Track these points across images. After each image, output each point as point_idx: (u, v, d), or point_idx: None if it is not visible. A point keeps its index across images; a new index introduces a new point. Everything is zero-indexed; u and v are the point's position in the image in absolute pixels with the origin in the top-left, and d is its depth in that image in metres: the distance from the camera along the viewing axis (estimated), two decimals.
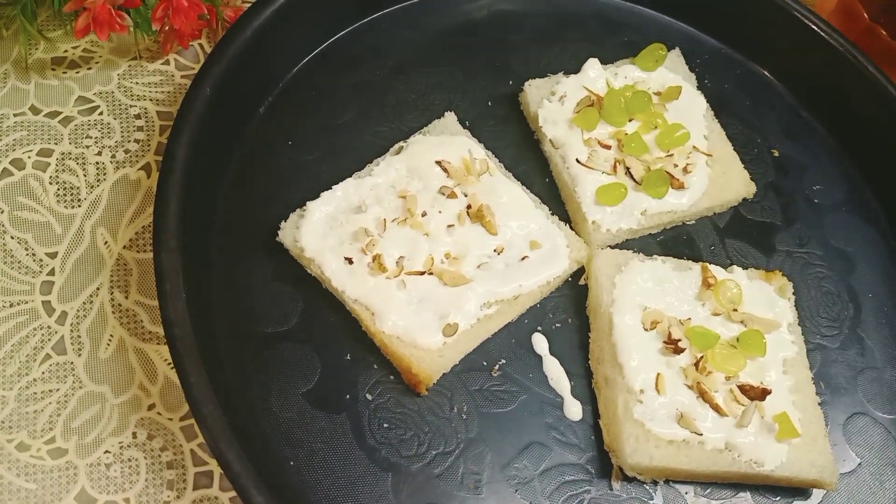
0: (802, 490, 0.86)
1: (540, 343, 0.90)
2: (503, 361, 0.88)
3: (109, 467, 0.79)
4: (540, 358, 0.89)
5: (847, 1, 1.15)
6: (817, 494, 0.86)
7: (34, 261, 0.88)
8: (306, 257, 0.87)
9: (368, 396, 0.84)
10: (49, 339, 0.84)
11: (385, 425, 0.83)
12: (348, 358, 0.86)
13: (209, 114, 0.89)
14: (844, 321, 0.98)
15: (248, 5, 0.97)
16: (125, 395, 0.83)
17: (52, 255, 0.89)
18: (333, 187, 0.92)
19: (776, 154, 1.09)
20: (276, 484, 0.77)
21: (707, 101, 1.07)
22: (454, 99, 1.05)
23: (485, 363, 0.88)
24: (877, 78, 1.06)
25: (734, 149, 1.04)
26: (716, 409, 0.83)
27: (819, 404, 0.88)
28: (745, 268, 0.95)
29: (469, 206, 0.92)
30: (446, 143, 0.97)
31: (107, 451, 0.80)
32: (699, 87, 1.08)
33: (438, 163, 0.94)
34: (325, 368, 0.85)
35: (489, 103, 1.06)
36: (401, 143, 0.97)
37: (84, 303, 0.87)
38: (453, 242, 0.90)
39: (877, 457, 0.90)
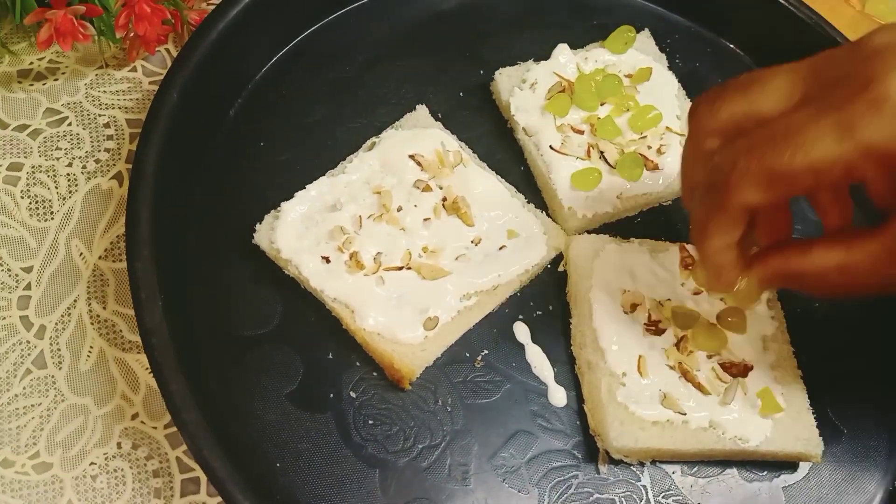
0: (789, 463, 0.87)
1: (522, 332, 0.90)
2: (486, 352, 0.88)
3: (95, 479, 0.79)
4: (522, 346, 0.89)
5: None
6: (804, 467, 0.87)
7: (10, 276, 0.88)
8: (283, 258, 0.87)
9: (352, 394, 0.84)
10: (29, 354, 0.84)
11: (370, 422, 0.83)
12: (330, 357, 0.86)
13: (178, 119, 0.88)
14: None
15: (213, 7, 0.97)
16: (108, 406, 0.82)
17: (28, 270, 0.88)
18: (307, 187, 0.91)
19: None
20: (263, 487, 0.77)
21: (679, 81, 1.07)
22: (426, 91, 1.04)
23: (467, 354, 0.88)
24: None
25: None
26: (699, 387, 0.84)
27: (802, 377, 0.88)
28: None
29: (444, 199, 0.92)
30: (419, 136, 0.97)
31: (92, 463, 0.80)
32: (670, 67, 1.08)
33: (412, 156, 0.94)
34: (307, 369, 0.85)
35: (461, 94, 1.06)
36: (373, 139, 0.97)
37: (62, 315, 0.86)
38: (430, 236, 0.90)
39: (861, 427, 0.90)
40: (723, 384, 0.84)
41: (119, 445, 0.81)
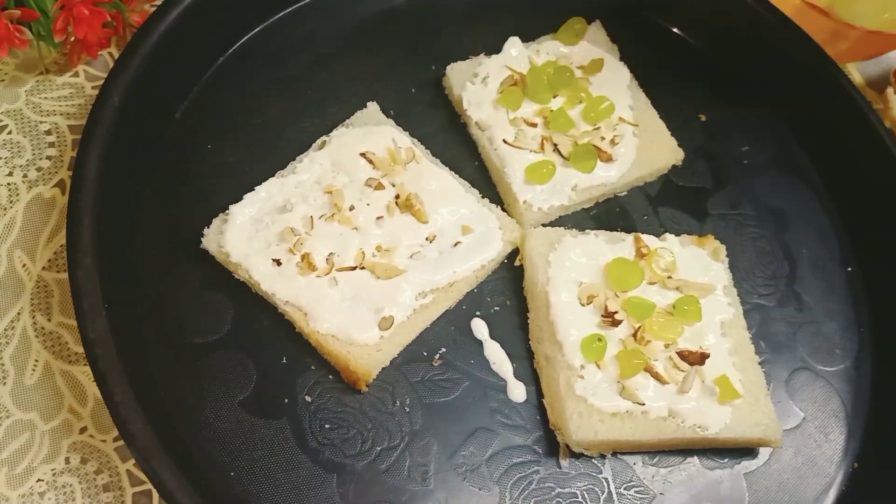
0: (749, 450, 0.87)
1: (479, 328, 0.89)
2: (444, 350, 0.87)
3: (43, 496, 0.77)
4: (480, 343, 0.89)
5: None
6: (764, 452, 0.87)
7: None
8: (233, 262, 0.85)
9: (308, 398, 0.83)
10: None
11: (327, 426, 0.81)
12: (284, 361, 0.84)
13: (120, 123, 0.86)
14: (781, 279, 0.98)
15: (155, 8, 0.94)
16: (55, 421, 0.80)
17: None
18: (256, 188, 0.90)
19: (703, 119, 1.09)
20: (217, 497, 0.75)
21: (631, 72, 1.06)
22: (377, 88, 1.03)
23: (425, 353, 0.87)
24: (795, 30, 1.06)
25: (660, 117, 1.04)
26: (656, 377, 0.83)
27: (760, 363, 0.89)
28: (678, 234, 0.95)
29: (397, 197, 0.91)
30: (370, 134, 0.95)
31: (39, 480, 0.77)
32: (622, 58, 1.08)
33: (363, 154, 0.93)
34: (260, 374, 0.83)
35: (413, 90, 1.05)
36: (324, 138, 0.95)
37: (6, 329, 0.84)
38: (384, 234, 0.89)
39: (820, 410, 0.91)
40: (680, 373, 0.84)
41: (67, 460, 0.78)
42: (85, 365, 0.83)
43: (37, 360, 0.83)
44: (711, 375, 0.84)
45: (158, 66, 0.92)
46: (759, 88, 1.11)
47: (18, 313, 0.84)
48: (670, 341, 0.85)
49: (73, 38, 0.95)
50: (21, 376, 0.82)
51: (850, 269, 1.01)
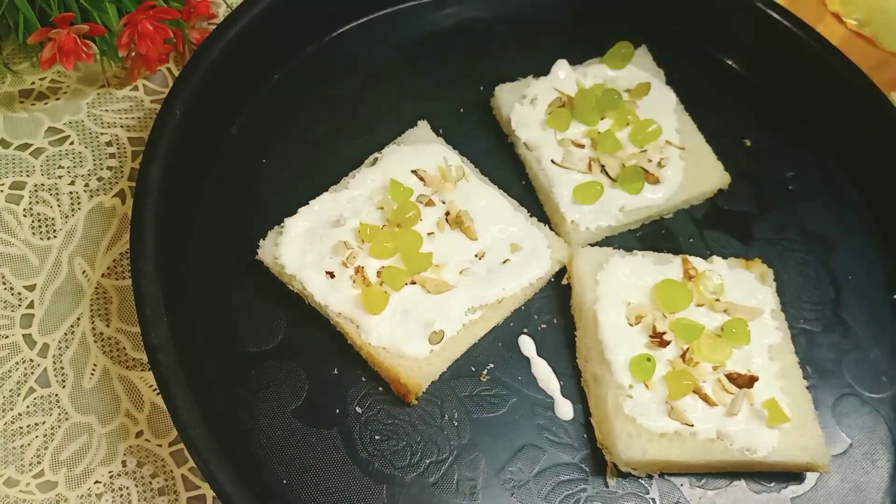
0: (796, 474, 0.86)
1: (527, 345, 0.90)
2: (491, 366, 0.88)
3: (101, 497, 0.78)
4: (528, 360, 0.89)
5: None
6: (811, 478, 0.87)
7: (12, 294, 0.87)
8: (287, 274, 0.86)
9: (358, 409, 0.84)
10: (32, 372, 0.83)
11: (377, 437, 0.82)
12: (336, 372, 0.85)
13: (180, 136, 0.88)
14: (826, 304, 0.98)
15: (214, 27, 0.97)
16: (112, 424, 0.82)
17: (31, 288, 0.88)
18: (310, 202, 0.92)
19: (748, 143, 1.10)
20: (270, 503, 0.76)
21: (676, 95, 1.08)
22: (426, 107, 1.05)
23: (473, 368, 0.88)
24: (840, 62, 1.07)
25: (706, 140, 1.05)
26: (705, 399, 0.84)
27: (807, 388, 0.89)
28: (724, 258, 0.96)
29: (447, 213, 0.92)
30: (421, 151, 0.97)
31: (97, 482, 0.79)
32: (668, 82, 1.09)
33: (414, 171, 0.94)
34: (312, 384, 0.84)
35: (461, 110, 1.06)
36: (375, 155, 0.97)
37: (65, 333, 0.86)
38: (434, 250, 0.90)
39: (867, 437, 0.90)
40: (729, 395, 0.84)
41: (124, 464, 0.80)
42: (142, 370, 0.85)
43: (95, 365, 0.84)
44: (759, 398, 0.84)
45: (217, 82, 0.95)
46: (803, 114, 1.12)
47: (78, 319, 0.87)
48: (719, 363, 0.86)
49: (133, 53, 0.98)
50: (80, 380, 0.84)
51: (895, 296, 1.00)
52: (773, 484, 0.86)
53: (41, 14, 0.95)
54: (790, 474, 0.86)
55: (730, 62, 1.17)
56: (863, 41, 1.09)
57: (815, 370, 0.93)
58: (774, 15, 1.11)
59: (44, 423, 0.81)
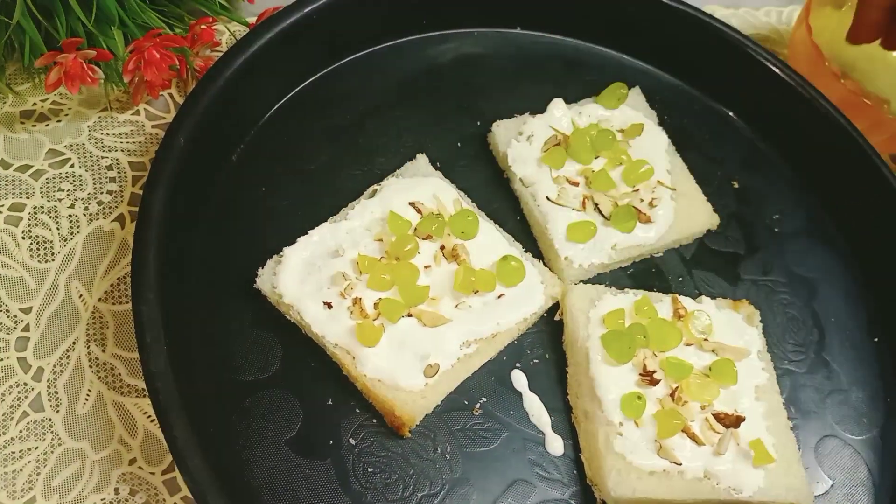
0: None
1: (519, 380, 0.92)
2: (484, 400, 0.89)
3: None
4: (520, 394, 0.91)
5: (804, 49, 1.20)
6: None
7: (8, 317, 0.87)
8: (285, 303, 0.87)
9: (352, 441, 0.84)
10: (26, 397, 0.83)
11: (370, 469, 0.83)
12: (330, 403, 0.86)
13: (183, 164, 0.89)
14: (810, 346, 1.01)
15: (218, 55, 0.98)
16: (105, 451, 0.82)
17: (27, 311, 0.88)
18: (309, 232, 0.93)
19: (736, 185, 1.12)
20: None
21: (668, 137, 1.10)
22: (424, 141, 1.07)
23: (466, 402, 0.89)
24: (828, 111, 1.10)
25: (696, 182, 1.08)
26: (693, 438, 0.85)
27: (791, 428, 0.91)
28: (712, 297, 0.98)
29: (443, 247, 0.94)
30: (419, 184, 0.99)
31: None
32: (660, 123, 1.12)
33: (412, 204, 0.96)
34: (307, 415, 0.85)
35: (459, 144, 1.08)
36: (374, 186, 0.98)
37: (60, 358, 0.86)
38: (431, 283, 0.91)
39: (848, 478, 0.93)
40: (716, 434, 0.86)
41: (116, 491, 0.80)
42: (137, 396, 0.85)
43: (90, 390, 0.84)
44: (746, 438, 0.86)
45: (220, 110, 0.95)
46: (792, 160, 1.15)
47: (74, 343, 0.87)
48: (707, 403, 0.87)
49: (137, 79, 0.99)
50: (74, 405, 0.83)
51: (876, 339, 1.03)
52: None
53: (46, 36, 0.95)
54: None
55: (720, 106, 1.20)
56: (857, 98, 1.13)
57: (798, 411, 0.96)
58: (766, 62, 1.14)
59: (36, 448, 0.81)
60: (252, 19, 1.11)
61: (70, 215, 0.94)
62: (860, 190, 1.09)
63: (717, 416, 0.87)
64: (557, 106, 1.09)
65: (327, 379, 0.87)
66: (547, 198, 1.01)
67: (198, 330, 0.87)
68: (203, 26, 1.04)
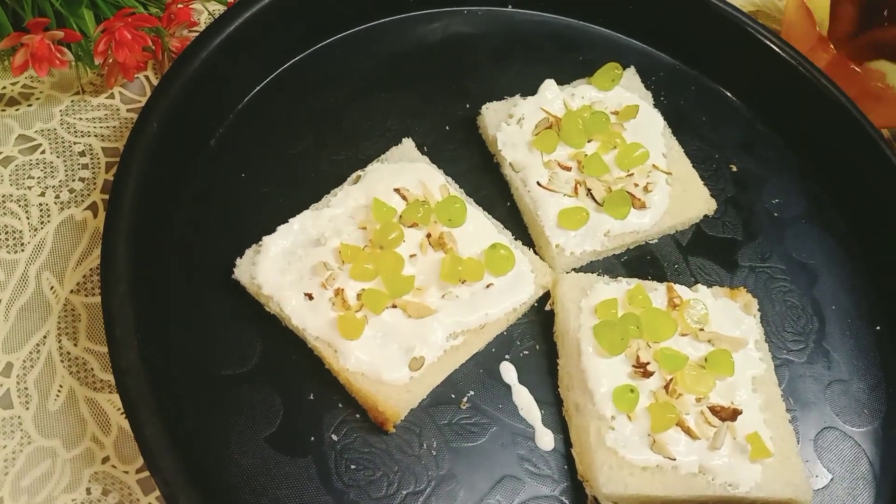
0: None
1: (508, 372, 0.88)
2: (472, 393, 0.86)
3: None
4: (509, 387, 0.88)
5: (798, 16, 1.16)
6: None
7: None
8: (264, 295, 0.84)
9: (334, 437, 0.81)
10: None
11: (353, 467, 0.80)
12: (311, 398, 0.83)
13: (157, 149, 0.86)
14: (810, 335, 0.98)
15: (196, 35, 0.94)
16: (77, 449, 0.79)
17: None
18: (290, 220, 0.89)
19: (734, 169, 1.09)
20: None
21: (664, 119, 1.07)
22: (411, 124, 1.03)
23: (453, 396, 0.86)
24: (829, 90, 1.07)
25: (693, 165, 1.04)
26: (688, 432, 0.82)
27: (789, 420, 0.88)
28: (709, 285, 0.95)
29: (429, 235, 0.90)
30: (405, 170, 0.95)
31: None
32: (656, 105, 1.08)
33: (397, 191, 0.92)
34: (287, 410, 0.82)
35: (447, 127, 1.05)
36: (358, 172, 0.95)
37: (30, 352, 0.83)
38: (416, 273, 0.88)
39: (848, 471, 0.90)
40: (712, 428, 0.83)
41: (88, 491, 0.77)
42: (110, 392, 0.82)
43: (61, 386, 0.81)
44: (743, 432, 0.83)
45: (196, 93, 0.92)
46: (792, 143, 1.12)
47: (44, 337, 0.83)
48: (702, 395, 0.84)
49: (111, 60, 0.95)
50: (45, 402, 0.80)
51: (878, 327, 1.00)
52: None
53: (14, 18, 0.91)
54: None
55: (718, 86, 1.16)
56: (848, 68, 1.09)
57: (797, 402, 0.93)
58: (765, 40, 1.10)
59: (5, 447, 0.78)
60: None
61: (41, 203, 0.90)
62: (862, 171, 1.06)
63: (712, 409, 0.84)
64: (549, 87, 1.05)
65: (308, 373, 0.84)
66: (538, 183, 0.97)
67: (174, 322, 0.84)
68: (179, 5, 0.99)
